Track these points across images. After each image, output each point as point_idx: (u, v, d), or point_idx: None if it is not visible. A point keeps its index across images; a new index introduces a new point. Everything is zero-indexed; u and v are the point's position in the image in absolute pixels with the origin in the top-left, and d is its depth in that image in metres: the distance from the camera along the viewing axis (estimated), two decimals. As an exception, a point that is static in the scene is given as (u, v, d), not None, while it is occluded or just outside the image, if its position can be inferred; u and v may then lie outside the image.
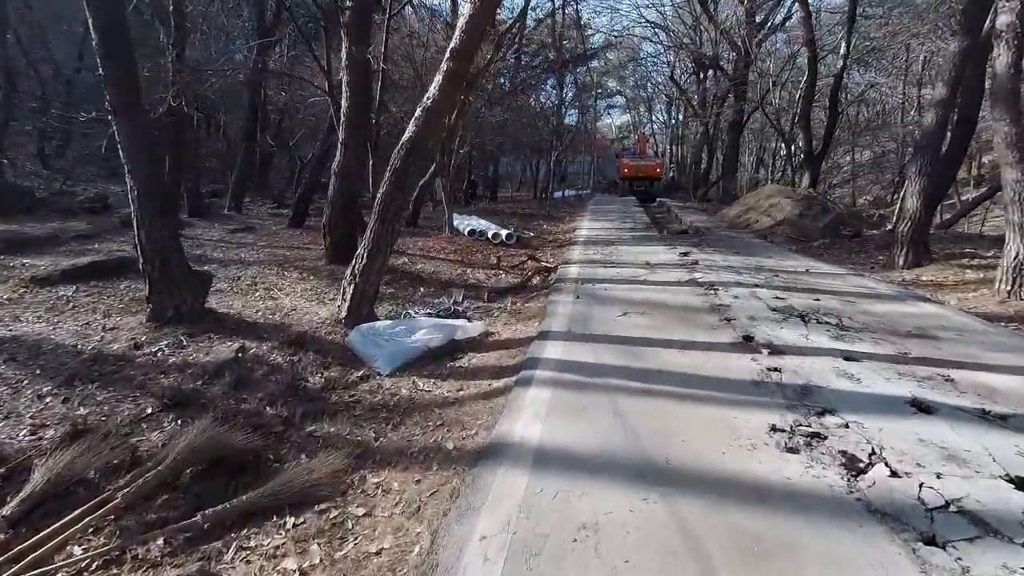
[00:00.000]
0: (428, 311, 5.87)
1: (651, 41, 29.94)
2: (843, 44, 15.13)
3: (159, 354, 4.20)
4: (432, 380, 4.05)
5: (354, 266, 4.98)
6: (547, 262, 9.02)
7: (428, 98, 4.54)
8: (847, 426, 2.82)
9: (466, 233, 11.90)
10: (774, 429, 2.80)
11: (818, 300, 5.75)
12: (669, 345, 4.26)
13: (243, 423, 3.25)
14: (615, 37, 24.56)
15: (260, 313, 5.46)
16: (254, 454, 2.98)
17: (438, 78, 4.49)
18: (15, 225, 9.17)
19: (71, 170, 16.46)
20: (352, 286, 4.97)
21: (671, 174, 35.88)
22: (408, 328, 4.79)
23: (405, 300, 6.71)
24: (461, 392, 3.80)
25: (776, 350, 4.07)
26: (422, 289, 7.31)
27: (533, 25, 20.09)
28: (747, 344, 4.27)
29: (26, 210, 10.85)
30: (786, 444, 2.64)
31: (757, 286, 6.50)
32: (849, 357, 3.91)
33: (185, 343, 4.44)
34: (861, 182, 25.80)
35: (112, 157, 17.41)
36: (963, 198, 16.51)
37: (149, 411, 3.27)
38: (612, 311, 5.43)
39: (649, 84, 36.65)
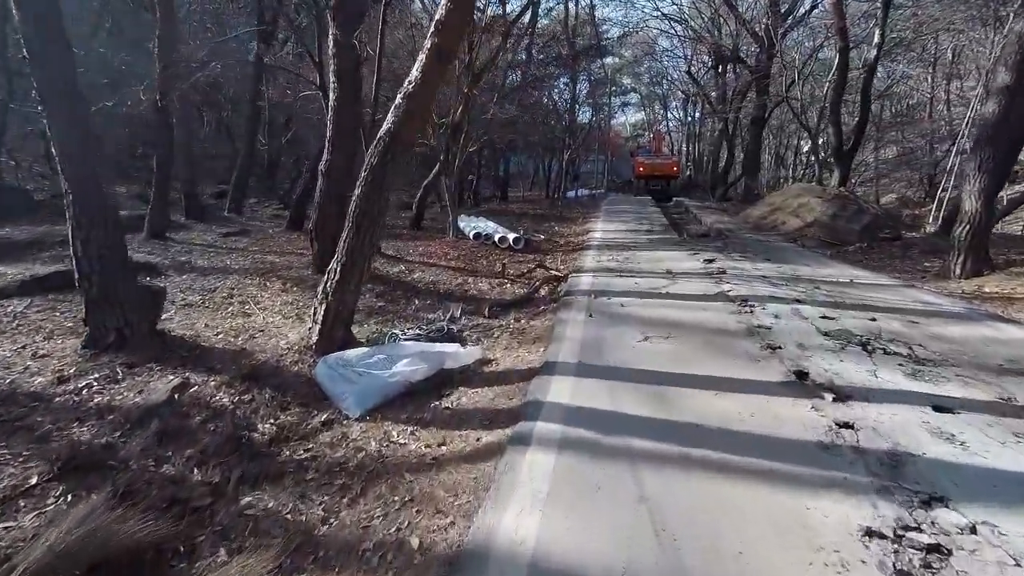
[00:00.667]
0: (418, 331, 5.10)
1: (667, 34, 28.94)
2: (876, 32, 14.06)
3: (84, 392, 3.49)
4: (409, 428, 3.28)
5: (326, 283, 4.23)
6: (557, 270, 8.22)
7: (409, 83, 3.76)
8: (974, 530, 1.99)
9: (471, 236, 11.14)
10: (869, 533, 1.98)
11: (875, 320, 4.87)
12: (704, 385, 3.44)
13: (155, 497, 2.51)
14: (630, 28, 23.61)
15: (223, 335, 4.74)
16: (155, 548, 2.23)
17: (421, 57, 3.71)
18: (7, 228, 8.68)
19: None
20: (324, 306, 4.22)
21: (688, 173, 34.80)
22: (388, 357, 4.02)
23: (396, 316, 5.96)
24: (443, 448, 3.02)
25: (841, 394, 3.22)
26: (417, 302, 6.55)
27: (543, 13, 19.26)
28: (802, 384, 3.43)
29: (23, 212, 10.42)
30: (894, 565, 1.81)
31: (798, 301, 5.63)
32: (939, 407, 3.05)
33: (120, 376, 3.72)
34: (884, 180, 24.53)
35: (124, 159, 17.02)
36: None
37: (34, 481, 2.54)
38: (631, 333, 4.61)
39: (664, 81, 35.57)
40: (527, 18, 15.23)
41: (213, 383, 3.66)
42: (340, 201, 7.38)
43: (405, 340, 4.92)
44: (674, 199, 25.28)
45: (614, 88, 34.61)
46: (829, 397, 3.16)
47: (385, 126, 3.85)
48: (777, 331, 4.57)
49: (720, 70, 24.90)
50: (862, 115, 14.72)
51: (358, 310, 6.10)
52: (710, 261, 8.35)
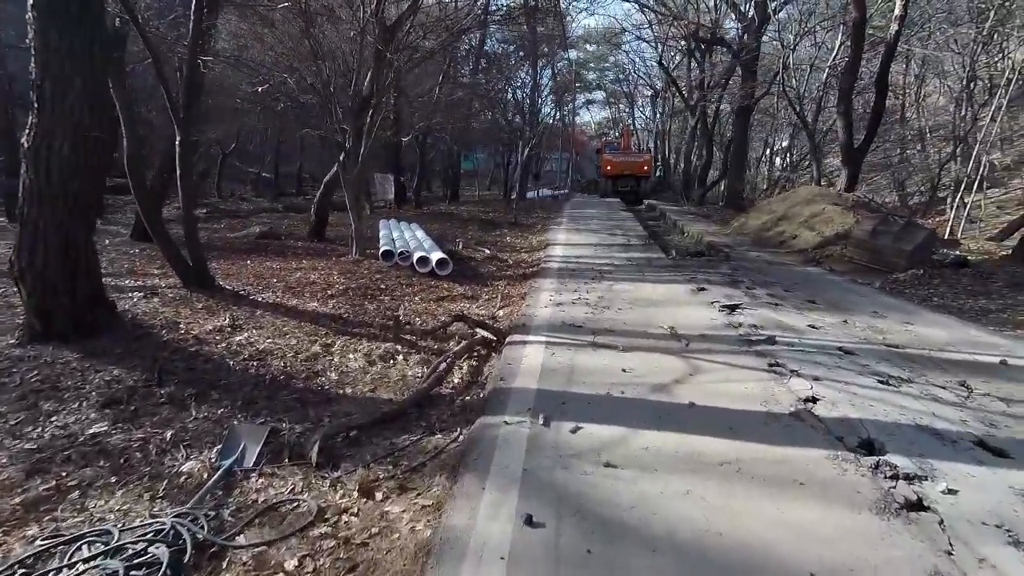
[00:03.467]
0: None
1: (635, 23, 26.17)
2: (898, 3, 11.47)
3: None
4: None
5: None
6: (490, 322, 5.04)
7: None
8: None
9: (380, 255, 7.80)
10: None
11: None
12: None
13: None
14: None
15: None
16: None
17: None
18: None
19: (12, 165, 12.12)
20: None
21: (658, 173, 32.20)
22: None
23: (124, 460, 2.66)
24: None
25: None
26: (197, 411, 3.25)
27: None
28: None
29: None
30: None
31: (986, 447, 2.61)
32: None
33: None
34: (863, 187, 22.39)
35: None
36: None
37: None
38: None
39: (631, 75, 32.96)
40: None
41: None
42: (80, 202, 3.98)
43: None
44: (645, 202, 22.53)
45: (578, 85, 31.76)
46: None
47: None
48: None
49: (698, 56, 22.14)
50: (876, 105, 12.10)
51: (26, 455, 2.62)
52: (731, 308, 5.32)
